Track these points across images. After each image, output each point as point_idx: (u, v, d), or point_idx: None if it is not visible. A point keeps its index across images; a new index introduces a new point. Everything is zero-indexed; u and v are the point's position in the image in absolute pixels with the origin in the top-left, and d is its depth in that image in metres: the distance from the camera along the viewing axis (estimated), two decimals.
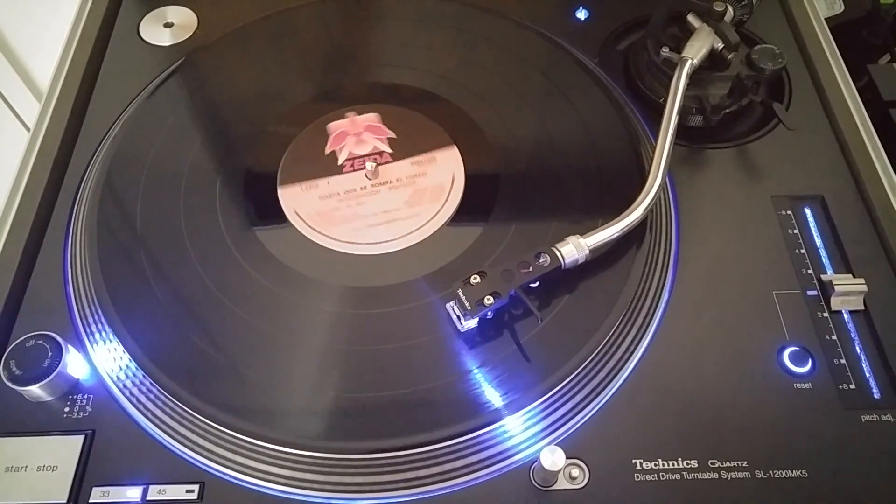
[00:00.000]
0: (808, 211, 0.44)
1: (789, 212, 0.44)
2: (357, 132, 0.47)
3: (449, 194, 0.44)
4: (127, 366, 0.38)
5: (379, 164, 0.45)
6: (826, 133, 0.47)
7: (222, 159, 0.46)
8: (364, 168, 0.45)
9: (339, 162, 0.46)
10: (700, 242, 0.43)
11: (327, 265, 0.42)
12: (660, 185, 0.41)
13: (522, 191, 0.44)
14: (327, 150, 0.47)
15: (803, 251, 0.42)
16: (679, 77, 0.45)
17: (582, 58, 0.51)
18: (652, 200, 0.40)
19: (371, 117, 0.48)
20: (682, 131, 0.45)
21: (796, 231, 0.43)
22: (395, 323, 0.39)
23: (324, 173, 0.46)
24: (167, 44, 0.53)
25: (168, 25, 0.54)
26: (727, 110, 0.47)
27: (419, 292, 0.40)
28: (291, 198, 0.45)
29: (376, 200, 0.44)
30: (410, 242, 0.42)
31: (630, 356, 0.39)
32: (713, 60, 0.46)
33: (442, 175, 0.45)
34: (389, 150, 0.46)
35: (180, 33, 0.54)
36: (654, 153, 0.45)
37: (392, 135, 0.47)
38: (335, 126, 0.48)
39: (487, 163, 0.46)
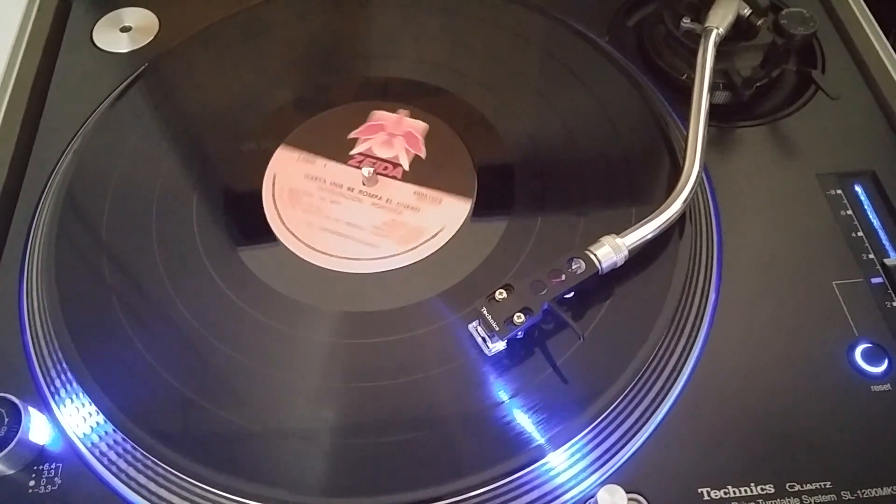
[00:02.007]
0: (859, 188, 0.39)
1: (839, 191, 0.39)
2: (392, 132, 0.42)
3: (426, 241, 0.38)
4: (100, 426, 0.32)
5: (379, 174, 0.40)
6: (867, 100, 0.43)
7: (198, 175, 0.41)
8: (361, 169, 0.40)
9: (351, 152, 0.41)
10: (744, 233, 0.38)
11: (325, 288, 0.36)
12: (699, 172, 0.36)
13: (542, 189, 0.39)
14: (351, 135, 0.42)
15: (860, 234, 0.38)
16: (706, 49, 0.40)
17: (592, 37, 0.46)
18: (692, 190, 0.36)
19: (418, 126, 0.42)
20: None
21: (849, 212, 0.38)
22: (408, 352, 0.34)
23: (328, 154, 0.41)
24: (125, 50, 0.48)
25: (125, 30, 0.49)
26: (759, 83, 0.42)
27: (433, 314, 0.35)
28: (282, 162, 0.41)
29: (351, 209, 0.39)
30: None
31: (681, 369, 0.34)
32: (738, 29, 0.42)
33: (431, 221, 0.38)
34: (406, 168, 0.41)
35: (139, 38, 0.48)
36: (683, 136, 0.40)
37: (422, 154, 0.41)
38: (377, 116, 0.43)
39: (500, 161, 0.40)
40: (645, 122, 0.41)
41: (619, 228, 0.35)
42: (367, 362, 0.34)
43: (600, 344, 0.33)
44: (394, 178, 0.40)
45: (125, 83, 0.45)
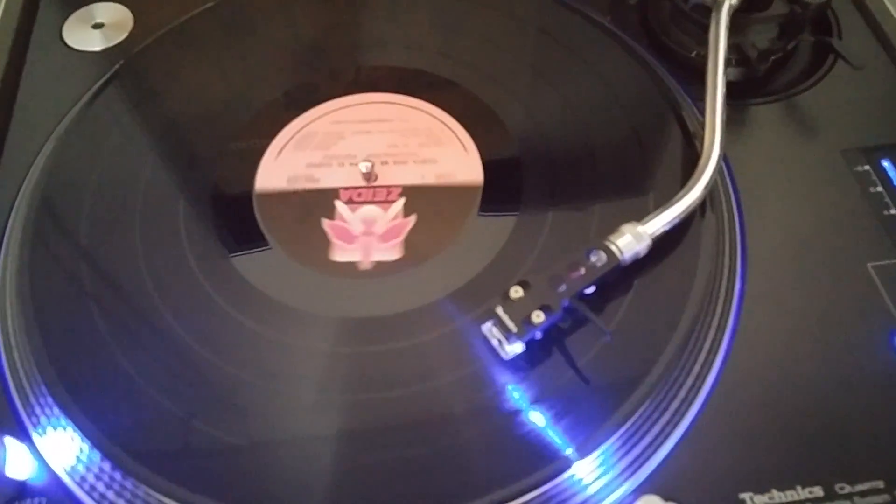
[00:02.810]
0: (887, 163, 0.37)
1: (866, 167, 0.37)
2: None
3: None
4: (86, 455, 0.29)
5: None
6: (887, 70, 0.41)
7: (184, 178, 0.38)
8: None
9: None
10: (767, 216, 0.36)
11: (325, 293, 0.34)
12: (720, 154, 0.34)
13: (553, 179, 0.37)
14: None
15: (893, 211, 0.35)
16: (718, 23, 0.38)
17: (595, 17, 0.43)
18: (714, 171, 0.33)
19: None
20: None
21: (879, 188, 0.36)
22: (416, 359, 0.31)
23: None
24: (98, 48, 0.45)
25: (97, 26, 0.46)
26: (775, 56, 0.40)
27: (443, 317, 0.32)
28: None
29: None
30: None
31: (712, 363, 0.32)
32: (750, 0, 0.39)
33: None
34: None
35: (113, 34, 0.45)
36: (696, 116, 0.38)
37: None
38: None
39: (506, 150, 0.38)
40: (656, 104, 0.39)
41: (637, 217, 0.32)
42: (372, 372, 0.31)
43: (624, 341, 0.31)
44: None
45: (99, 83, 0.42)
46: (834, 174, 0.37)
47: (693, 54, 0.41)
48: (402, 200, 0.36)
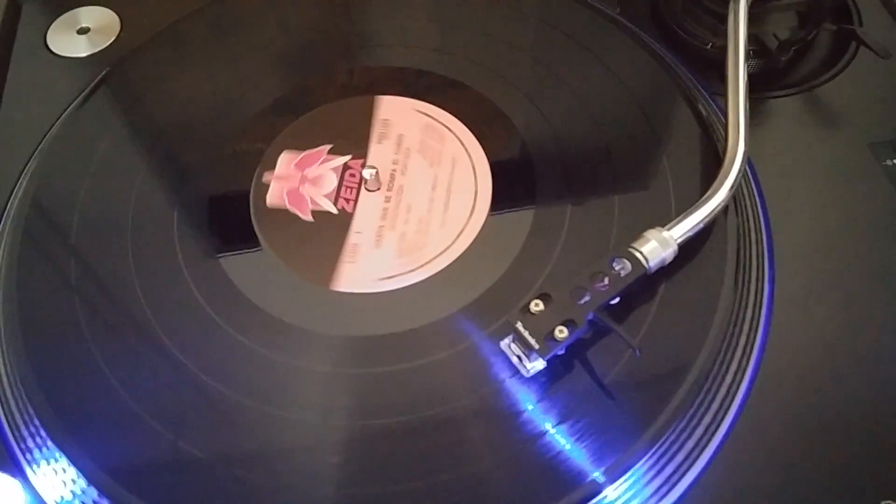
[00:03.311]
0: None
1: None
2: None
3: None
4: (83, 491, 0.28)
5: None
6: None
7: (178, 188, 0.36)
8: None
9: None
10: (794, 215, 0.34)
11: (329, 310, 0.32)
12: (744, 153, 0.32)
13: (567, 182, 0.35)
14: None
15: None
16: (737, 13, 0.36)
17: (602, 8, 0.42)
18: (739, 172, 0.32)
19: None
20: None
21: None
22: (429, 381, 0.29)
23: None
24: (84, 54, 0.43)
25: (83, 31, 0.44)
26: (795, 46, 0.38)
27: (456, 333, 0.31)
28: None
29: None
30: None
31: (743, 375, 0.30)
32: None
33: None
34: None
35: (99, 39, 0.43)
36: (713, 111, 0.37)
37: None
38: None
39: (516, 153, 0.36)
40: (672, 99, 0.37)
41: (658, 221, 0.31)
42: (384, 393, 0.29)
43: (651, 354, 0.29)
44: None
45: (86, 91, 0.40)
46: (862, 169, 0.35)
47: (709, 46, 0.40)
48: (349, 220, 0.34)
